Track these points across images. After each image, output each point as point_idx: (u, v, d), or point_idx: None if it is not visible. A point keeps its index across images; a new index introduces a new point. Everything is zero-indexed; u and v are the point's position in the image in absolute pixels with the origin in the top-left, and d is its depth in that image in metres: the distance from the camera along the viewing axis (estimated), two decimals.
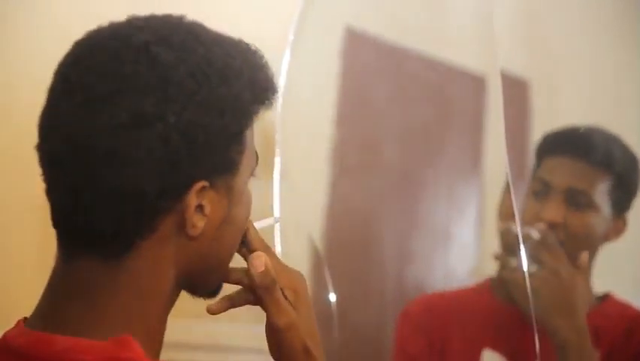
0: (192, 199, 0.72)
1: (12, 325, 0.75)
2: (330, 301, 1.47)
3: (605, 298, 1.44)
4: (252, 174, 0.79)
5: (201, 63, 0.73)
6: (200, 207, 0.73)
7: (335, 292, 1.48)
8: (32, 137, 0.73)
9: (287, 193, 0.89)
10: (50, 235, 0.74)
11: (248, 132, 0.77)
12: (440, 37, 2.13)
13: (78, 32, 0.75)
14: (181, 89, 0.71)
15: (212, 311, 0.83)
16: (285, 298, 0.82)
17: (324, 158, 1.98)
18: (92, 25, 0.75)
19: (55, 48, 0.76)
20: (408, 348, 1.47)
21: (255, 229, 0.84)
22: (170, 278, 0.75)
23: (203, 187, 0.73)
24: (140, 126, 0.70)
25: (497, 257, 1.39)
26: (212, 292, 0.82)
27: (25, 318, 0.76)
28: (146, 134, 0.70)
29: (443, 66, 2.11)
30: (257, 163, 0.80)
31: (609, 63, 2.33)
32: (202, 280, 0.79)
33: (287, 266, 0.85)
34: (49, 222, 0.74)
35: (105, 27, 0.75)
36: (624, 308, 1.44)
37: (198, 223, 0.73)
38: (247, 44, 0.78)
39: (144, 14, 0.76)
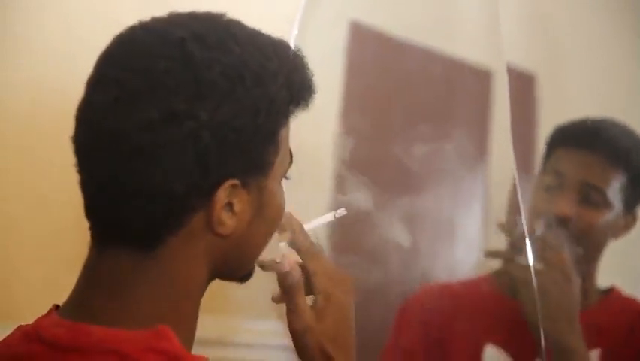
0: (221, 197, 0.72)
1: (12, 320, 0.74)
2: None
3: (609, 292, 1.42)
4: (285, 174, 0.79)
5: (236, 63, 0.72)
6: (229, 205, 0.73)
7: None
8: (36, 134, 0.73)
9: (291, 189, 0.88)
10: (52, 231, 0.73)
11: (283, 133, 0.76)
12: (445, 31, 2.12)
13: (87, 30, 0.75)
14: (214, 88, 0.70)
15: (275, 300, 0.86)
16: (315, 302, 0.82)
17: (328, 152, 1.97)
18: (101, 24, 0.74)
19: (65, 46, 0.75)
20: (401, 341, 1.46)
21: (302, 231, 0.84)
22: (202, 273, 0.75)
23: (233, 185, 0.72)
24: (170, 124, 0.69)
25: (503, 252, 1.38)
26: (242, 279, 0.83)
27: (57, 306, 0.76)
28: (176, 133, 0.69)
29: (449, 60, 2.10)
30: (291, 163, 0.80)
31: (616, 55, 2.31)
32: (231, 272, 0.80)
33: (335, 271, 0.85)
34: (51, 219, 0.74)
35: (144, 22, 0.75)
36: (628, 303, 1.42)
37: (227, 221, 0.73)
38: (287, 45, 0.78)
39: (152, 12, 0.76)
